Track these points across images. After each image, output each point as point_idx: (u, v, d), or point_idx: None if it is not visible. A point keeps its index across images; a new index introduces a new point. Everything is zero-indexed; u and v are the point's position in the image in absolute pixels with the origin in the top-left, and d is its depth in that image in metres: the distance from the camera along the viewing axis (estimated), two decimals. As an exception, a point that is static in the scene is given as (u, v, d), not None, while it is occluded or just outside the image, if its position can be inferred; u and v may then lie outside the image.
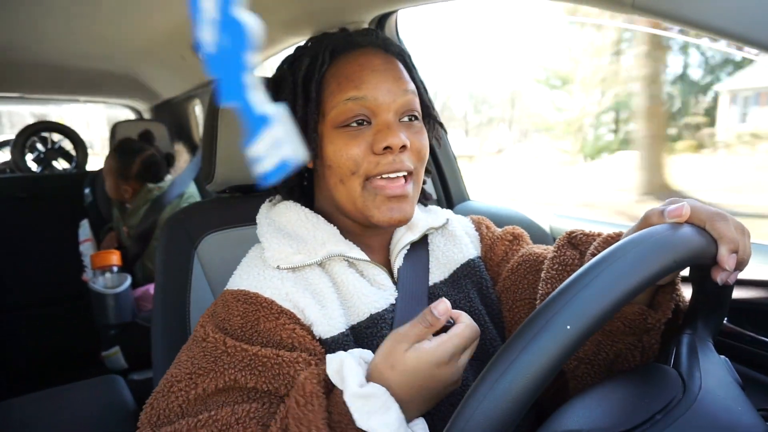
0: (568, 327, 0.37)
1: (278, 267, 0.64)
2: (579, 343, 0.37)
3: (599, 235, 0.65)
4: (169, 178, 2.09)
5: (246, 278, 0.64)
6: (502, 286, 0.75)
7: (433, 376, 0.50)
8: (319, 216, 0.69)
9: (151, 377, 0.86)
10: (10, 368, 2.14)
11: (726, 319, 0.75)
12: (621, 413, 0.43)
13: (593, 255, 0.60)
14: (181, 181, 2.02)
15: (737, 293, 0.72)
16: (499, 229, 0.81)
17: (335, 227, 0.68)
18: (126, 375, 1.70)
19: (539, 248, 0.75)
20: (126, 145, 2.03)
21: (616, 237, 0.60)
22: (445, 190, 1.45)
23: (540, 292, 0.67)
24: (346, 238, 0.68)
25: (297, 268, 0.64)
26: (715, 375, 0.46)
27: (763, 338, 0.71)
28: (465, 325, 0.52)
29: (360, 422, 0.47)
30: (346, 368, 0.50)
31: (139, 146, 2.03)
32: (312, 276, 0.64)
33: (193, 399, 0.54)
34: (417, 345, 0.50)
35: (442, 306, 0.51)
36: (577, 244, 0.67)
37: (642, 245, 0.42)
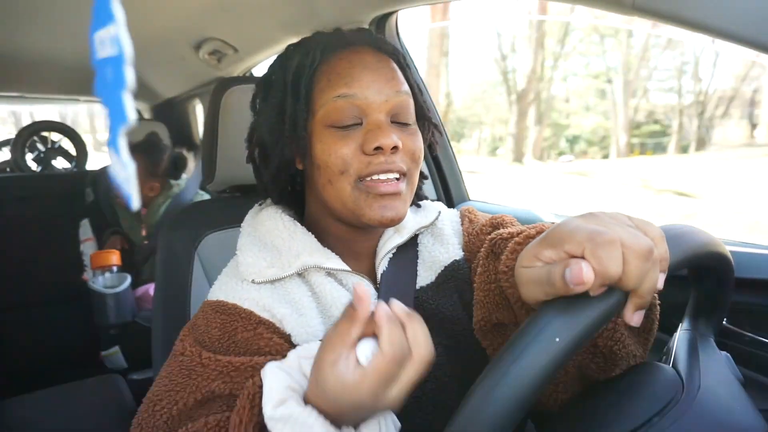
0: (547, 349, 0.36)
1: (252, 281, 0.62)
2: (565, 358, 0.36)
3: (518, 233, 0.59)
4: (185, 177, 2.15)
5: (224, 289, 0.63)
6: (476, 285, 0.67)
7: (359, 407, 0.43)
8: (297, 224, 0.67)
9: (151, 377, 0.86)
10: (10, 368, 2.13)
11: (725, 319, 0.75)
12: (617, 417, 0.42)
13: (506, 265, 0.56)
14: (194, 182, 2.06)
15: (737, 294, 0.72)
16: (483, 219, 0.75)
17: (312, 236, 0.66)
18: (126, 374, 1.70)
19: (512, 229, 0.65)
20: (152, 143, 2.07)
21: (526, 239, 0.56)
22: (446, 191, 1.45)
23: (474, 318, 0.64)
24: (333, 244, 0.66)
25: (274, 280, 0.63)
26: (715, 373, 0.46)
27: (762, 339, 0.71)
28: (382, 355, 0.42)
29: None
30: (265, 384, 0.46)
31: (163, 143, 2.10)
32: (291, 286, 0.63)
33: (176, 415, 0.54)
34: (338, 366, 0.42)
35: (360, 289, 0.44)
36: (498, 252, 0.62)
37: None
